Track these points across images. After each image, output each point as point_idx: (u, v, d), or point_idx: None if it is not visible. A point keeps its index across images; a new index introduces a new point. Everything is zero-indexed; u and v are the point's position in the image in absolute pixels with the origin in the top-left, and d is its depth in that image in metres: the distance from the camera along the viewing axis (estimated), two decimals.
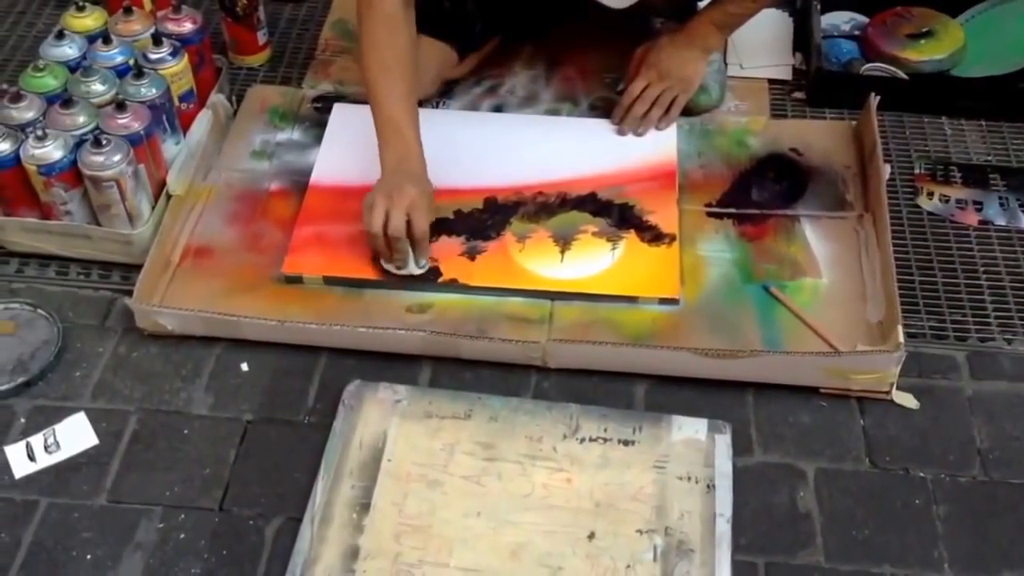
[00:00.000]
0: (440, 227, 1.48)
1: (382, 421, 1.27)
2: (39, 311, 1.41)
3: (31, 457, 1.26)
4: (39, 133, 1.37)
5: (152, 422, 1.30)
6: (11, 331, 1.39)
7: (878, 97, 1.58)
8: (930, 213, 1.55)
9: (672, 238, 1.46)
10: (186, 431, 1.29)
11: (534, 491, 1.21)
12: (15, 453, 1.26)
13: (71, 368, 1.36)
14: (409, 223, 1.36)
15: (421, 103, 1.66)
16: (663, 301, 1.40)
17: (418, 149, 1.42)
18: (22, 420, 1.30)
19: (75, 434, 1.28)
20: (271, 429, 1.29)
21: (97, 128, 1.41)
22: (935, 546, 1.18)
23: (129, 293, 1.37)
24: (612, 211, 1.50)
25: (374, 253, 1.42)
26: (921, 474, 1.25)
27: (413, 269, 1.41)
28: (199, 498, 1.22)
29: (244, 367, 1.36)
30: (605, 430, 1.27)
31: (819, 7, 1.76)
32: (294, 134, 1.66)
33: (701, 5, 1.68)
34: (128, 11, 1.59)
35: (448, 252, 1.45)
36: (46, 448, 1.27)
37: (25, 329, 1.39)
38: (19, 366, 1.35)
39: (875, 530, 1.20)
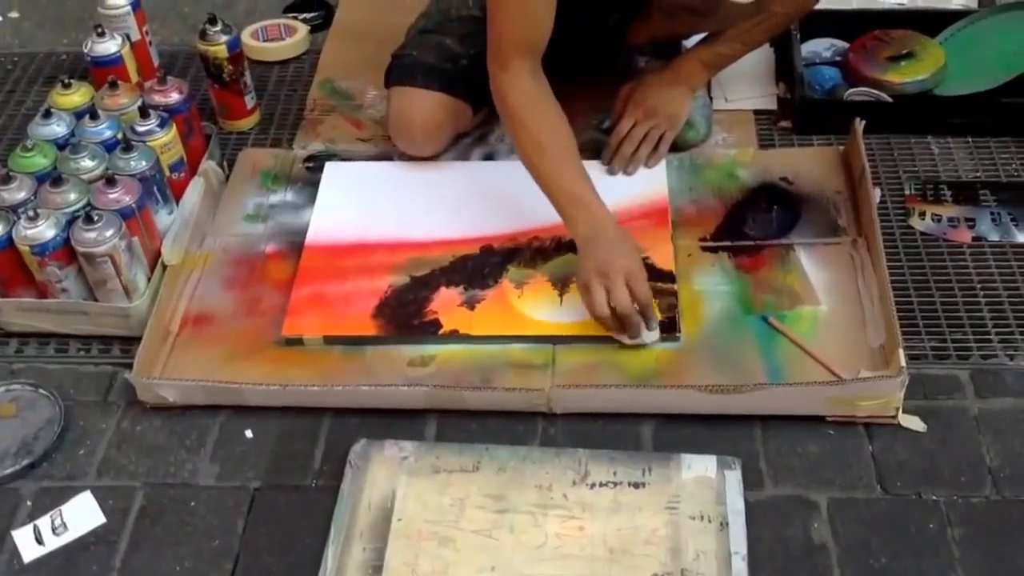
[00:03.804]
0: (438, 278, 1.48)
1: (390, 480, 1.27)
2: (40, 391, 1.40)
3: (39, 540, 1.25)
4: (31, 213, 1.37)
5: (159, 496, 1.29)
6: (13, 413, 1.38)
7: (863, 121, 1.59)
8: (923, 233, 1.55)
9: (669, 275, 1.46)
10: (193, 503, 1.28)
11: (547, 541, 1.20)
12: (23, 538, 1.25)
13: (75, 446, 1.35)
14: (631, 292, 1.32)
15: (433, 158, 1.67)
16: (664, 339, 1.40)
17: (606, 213, 1.38)
18: (28, 503, 1.29)
19: (82, 514, 1.27)
20: (279, 495, 1.29)
21: (88, 204, 1.41)
22: (953, 569, 1.17)
23: (130, 366, 1.36)
24: None
25: (376, 309, 1.43)
26: (934, 497, 1.24)
27: (646, 337, 1.36)
28: (210, 571, 1.21)
29: (248, 434, 1.35)
30: (615, 473, 1.26)
31: (799, 36, 1.78)
32: (287, 195, 1.67)
33: (687, 45, 1.70)
34: (114, 85, 1.60)
35: (447, 303, 1.45)
36: (54, 530, 1.26)
37: (27, 410, 1.39)
38: (23, 448, 1.34)
39: (892, 558, 1.18)
